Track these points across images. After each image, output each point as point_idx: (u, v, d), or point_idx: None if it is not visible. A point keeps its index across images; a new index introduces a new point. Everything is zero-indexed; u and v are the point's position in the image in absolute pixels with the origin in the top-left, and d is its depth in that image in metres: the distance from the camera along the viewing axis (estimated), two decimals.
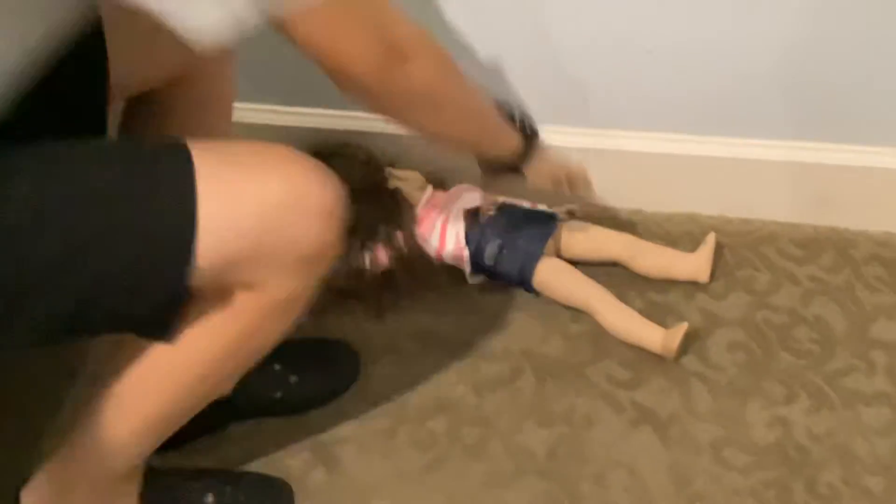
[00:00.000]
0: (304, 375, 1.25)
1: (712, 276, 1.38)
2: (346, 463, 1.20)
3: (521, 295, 1.37)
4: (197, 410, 0.99)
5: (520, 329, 1.34)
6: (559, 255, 1.38)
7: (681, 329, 1.26)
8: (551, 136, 1.26)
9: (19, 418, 1.21)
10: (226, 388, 1.00)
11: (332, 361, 1.30)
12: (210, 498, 1.12)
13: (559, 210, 1.41)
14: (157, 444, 1.00)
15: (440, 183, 1.46)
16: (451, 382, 1.28)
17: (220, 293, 0.88)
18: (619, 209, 1.49)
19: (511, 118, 1.19)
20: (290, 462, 1.20)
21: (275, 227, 0.83)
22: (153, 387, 0.95)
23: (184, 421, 0.99)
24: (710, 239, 1.39)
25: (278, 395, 1.24)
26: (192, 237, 0.80)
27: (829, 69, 1.30)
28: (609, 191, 1.45)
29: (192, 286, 0.83)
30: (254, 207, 0.83)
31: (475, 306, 1.37)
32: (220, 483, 1.14)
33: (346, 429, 1.23)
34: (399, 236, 1.36)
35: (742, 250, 1.42)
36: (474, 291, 1.39)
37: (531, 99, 1.36)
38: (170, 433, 1.00)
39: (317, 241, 0.86)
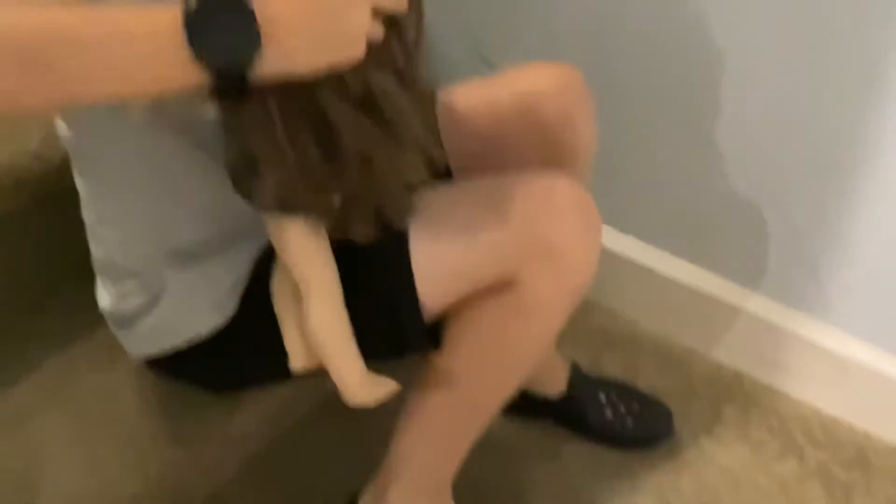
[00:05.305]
0: (631, 411, 1.36)
1: None
2: None
3: None
4: (483, 426, 1.07)
5: None
6: None
7: (389, 385, 0.94)
8: None
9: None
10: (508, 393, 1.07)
11: (651, 414, 1.38)
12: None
13: None
14: (462, 456, 1.08)
15: None
16: None
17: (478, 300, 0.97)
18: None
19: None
20: None
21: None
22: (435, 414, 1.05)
23: (476, 432, 1.07)
24: None
25: (608, 415, 1.34)
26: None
27: None
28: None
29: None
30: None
31: None
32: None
33: None
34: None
35: None
36: None
37: None
38: (467, 446, 1.08)
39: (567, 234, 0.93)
